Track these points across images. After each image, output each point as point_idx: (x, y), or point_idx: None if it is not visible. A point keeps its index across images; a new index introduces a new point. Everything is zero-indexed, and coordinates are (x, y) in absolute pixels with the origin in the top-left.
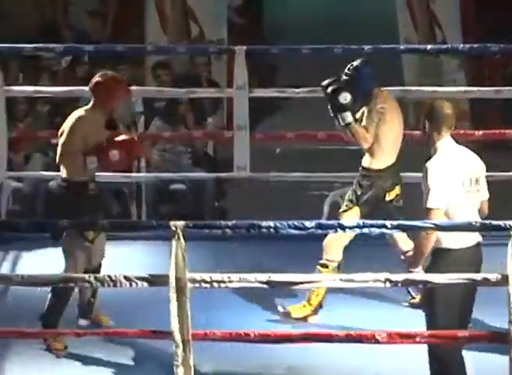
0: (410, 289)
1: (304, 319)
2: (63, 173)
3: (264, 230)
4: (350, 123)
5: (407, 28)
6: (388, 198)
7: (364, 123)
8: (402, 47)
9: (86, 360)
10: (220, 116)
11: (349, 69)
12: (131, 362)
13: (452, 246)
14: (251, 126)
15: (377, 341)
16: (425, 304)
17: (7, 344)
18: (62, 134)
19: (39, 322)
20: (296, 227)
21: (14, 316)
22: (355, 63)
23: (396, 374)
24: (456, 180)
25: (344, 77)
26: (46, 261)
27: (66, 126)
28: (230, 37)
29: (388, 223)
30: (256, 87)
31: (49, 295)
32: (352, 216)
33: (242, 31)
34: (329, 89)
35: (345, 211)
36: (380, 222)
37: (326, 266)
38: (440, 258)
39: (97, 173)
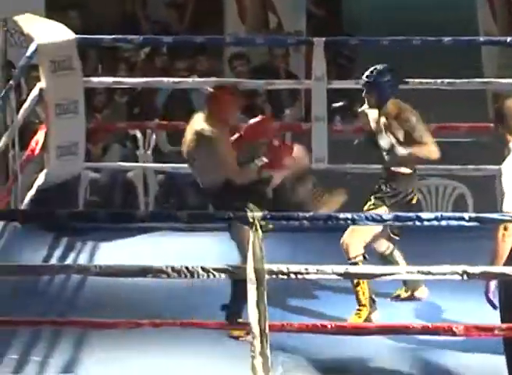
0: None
1: (368, 320)
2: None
3: (341, 222)
4: (409, 154)
5: (487, 20)
6: (413, 201)
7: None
8: (481, 39)
9: (159, 352)
10: (298, 108)
11: (372, 72)
12: (207, 351)
13: None
14: (329, 118)
15: (454, 334)
16: (504, 301)
17: (84, 334)
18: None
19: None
20: (373, 219)
21: (93, 307)
22: (378, 67)
23: (473, 368)
24: None
25: (365, 79)
26: (123, 251)
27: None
28: (308, 29)
29: (466, 215)
30: (334, 79)
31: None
32: None
33: (320, 23)
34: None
35: (372, 209)
36: (458, 214)
37: (356, 264)
38: None
39: (176, 165)
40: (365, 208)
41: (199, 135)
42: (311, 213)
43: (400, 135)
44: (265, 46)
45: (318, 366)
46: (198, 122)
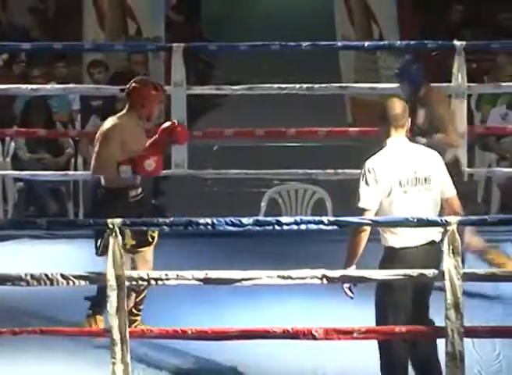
0: None
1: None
2: (102, 180)
3: (201, 227)
4: (427, 142)
5: (344, 24)
6: None
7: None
8: (339, 44)
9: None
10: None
11: (398, 69)
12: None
13: (397, 245)
14: (189, 124)
15: (314, 337)
16: (375, 305)
17: None
18: (96, 142)
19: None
20: (233, 224)
21: None
22: (401, 63)
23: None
24: (391, 179)
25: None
26: None
27: (100, 134)
28: (168, 35)
29: (325, 218)
30: (194, 85)
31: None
32: None
33: (180, 29)
34: None
35: None
36: (317, 218)
37: None
38: (387, 257)
39: (35, 172)
40: None
41: (103, 130)
42: (171, 219)
43: (426, 122)
44: (124, 52)
45: (180, 372)
46: (112, 118)
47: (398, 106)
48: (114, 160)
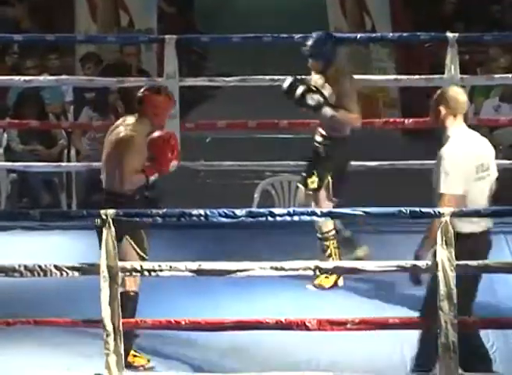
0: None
1: (335, 284)
2: (117, 187)
3: (194, 219)
4: (333, 116)
5: (337, 16)
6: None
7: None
8: None
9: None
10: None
11: (310, 45)
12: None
13: (463, 230)
14: (181, 116)
15: (307, 328)
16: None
17: None
18: (113, 150)
19: None
20: (226, 215)
21: None
22: (313, 39)
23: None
24: (469, 165)
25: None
26: None
27: (121, 144)
28: (160, 27)
29: (318, 210)
30: (187, 76)
31: None
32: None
33: (172, 20)
34: (297, 95)
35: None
36: (310, 209)
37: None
38: (457, 243)
39: (28, 164)
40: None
41: (122, 139)
42: (165, 210)
43: (332, 98)
44: (117, 44)
45: (174, 362)
46: (126, 126)
47: (463, 93)
48: (140, 169)
